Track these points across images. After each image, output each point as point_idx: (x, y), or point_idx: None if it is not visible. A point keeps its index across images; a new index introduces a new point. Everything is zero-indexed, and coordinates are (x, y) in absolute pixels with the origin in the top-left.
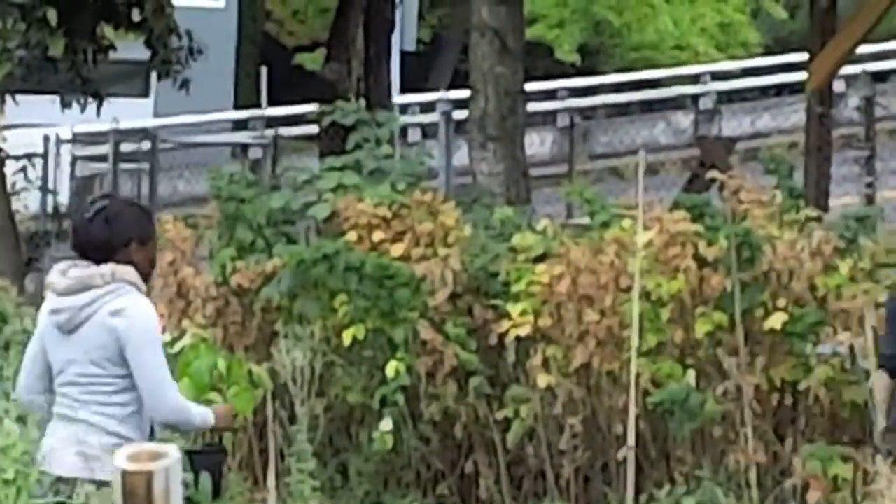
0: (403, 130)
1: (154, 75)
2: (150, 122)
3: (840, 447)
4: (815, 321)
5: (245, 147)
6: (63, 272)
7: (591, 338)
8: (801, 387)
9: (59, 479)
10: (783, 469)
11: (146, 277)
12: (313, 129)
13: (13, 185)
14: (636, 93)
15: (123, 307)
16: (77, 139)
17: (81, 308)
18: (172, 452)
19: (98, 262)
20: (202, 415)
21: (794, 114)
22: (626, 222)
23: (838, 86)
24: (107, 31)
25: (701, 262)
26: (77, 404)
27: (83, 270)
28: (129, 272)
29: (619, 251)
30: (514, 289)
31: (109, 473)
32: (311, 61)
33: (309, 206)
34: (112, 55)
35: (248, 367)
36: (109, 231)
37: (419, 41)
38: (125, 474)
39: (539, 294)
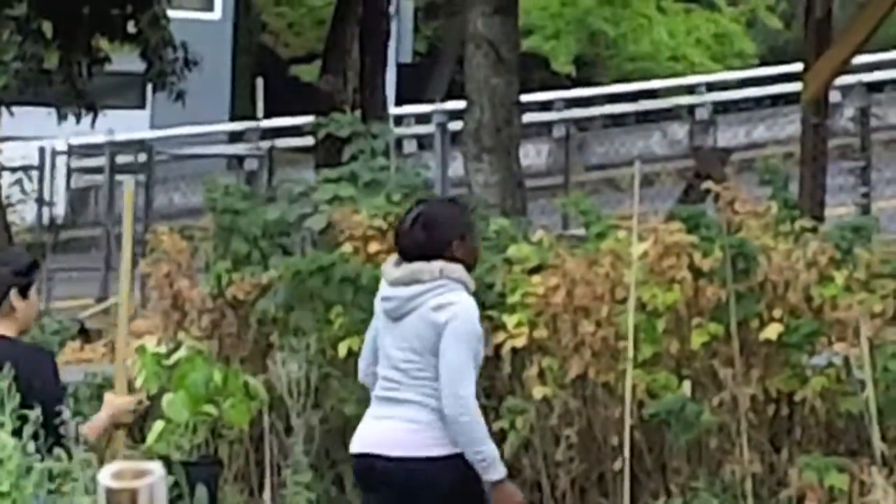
0: (399, 142)
1: (150, 87)
2: (145, 133)
3: (836, 458)
4: (811, 331)
5: (241, 159)
6: (397, 263)
7: (587, 349)
8: (797, 397)
9: (383, 458)
10: (779, 479)
11: (470, 270)
12: (309, 140)
13: (9, 196)
14: (632, 104)
15: (447, 303)
16: (73, 151)
17: (408, 299)
18: (156, 470)
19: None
20: (490, 444)
21: (790, 124)
22: (622, 233)
23: (834, 96)
24: (102, 43)
25: (696, 272)
26: (400, 387)
27: (415, 264)
28: (456, 270)
29: (615, 262)
30: (510, 300)
31: (442, 447)
32: (307, 73)
33: (304, 217)
34: (107, 67)
35: (244, 380)
36: (428, 236)
37: (415, 52)
38: (109, 492)
39: (535, 305)
